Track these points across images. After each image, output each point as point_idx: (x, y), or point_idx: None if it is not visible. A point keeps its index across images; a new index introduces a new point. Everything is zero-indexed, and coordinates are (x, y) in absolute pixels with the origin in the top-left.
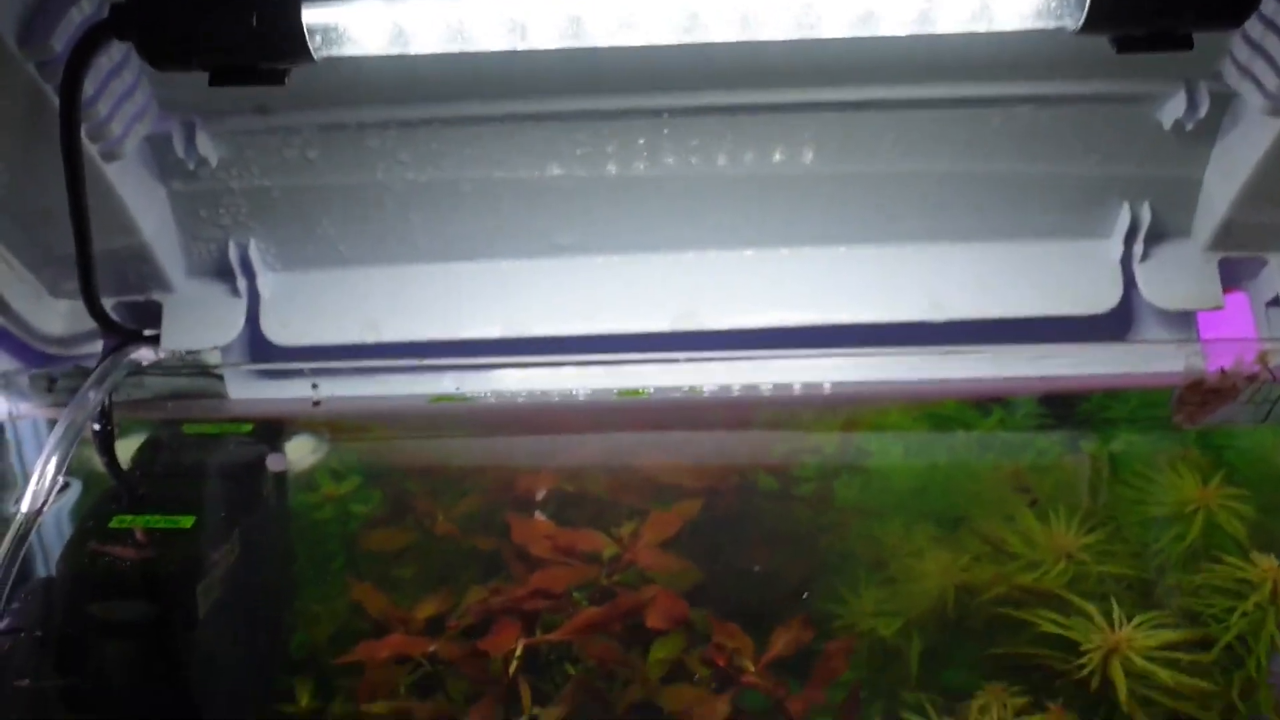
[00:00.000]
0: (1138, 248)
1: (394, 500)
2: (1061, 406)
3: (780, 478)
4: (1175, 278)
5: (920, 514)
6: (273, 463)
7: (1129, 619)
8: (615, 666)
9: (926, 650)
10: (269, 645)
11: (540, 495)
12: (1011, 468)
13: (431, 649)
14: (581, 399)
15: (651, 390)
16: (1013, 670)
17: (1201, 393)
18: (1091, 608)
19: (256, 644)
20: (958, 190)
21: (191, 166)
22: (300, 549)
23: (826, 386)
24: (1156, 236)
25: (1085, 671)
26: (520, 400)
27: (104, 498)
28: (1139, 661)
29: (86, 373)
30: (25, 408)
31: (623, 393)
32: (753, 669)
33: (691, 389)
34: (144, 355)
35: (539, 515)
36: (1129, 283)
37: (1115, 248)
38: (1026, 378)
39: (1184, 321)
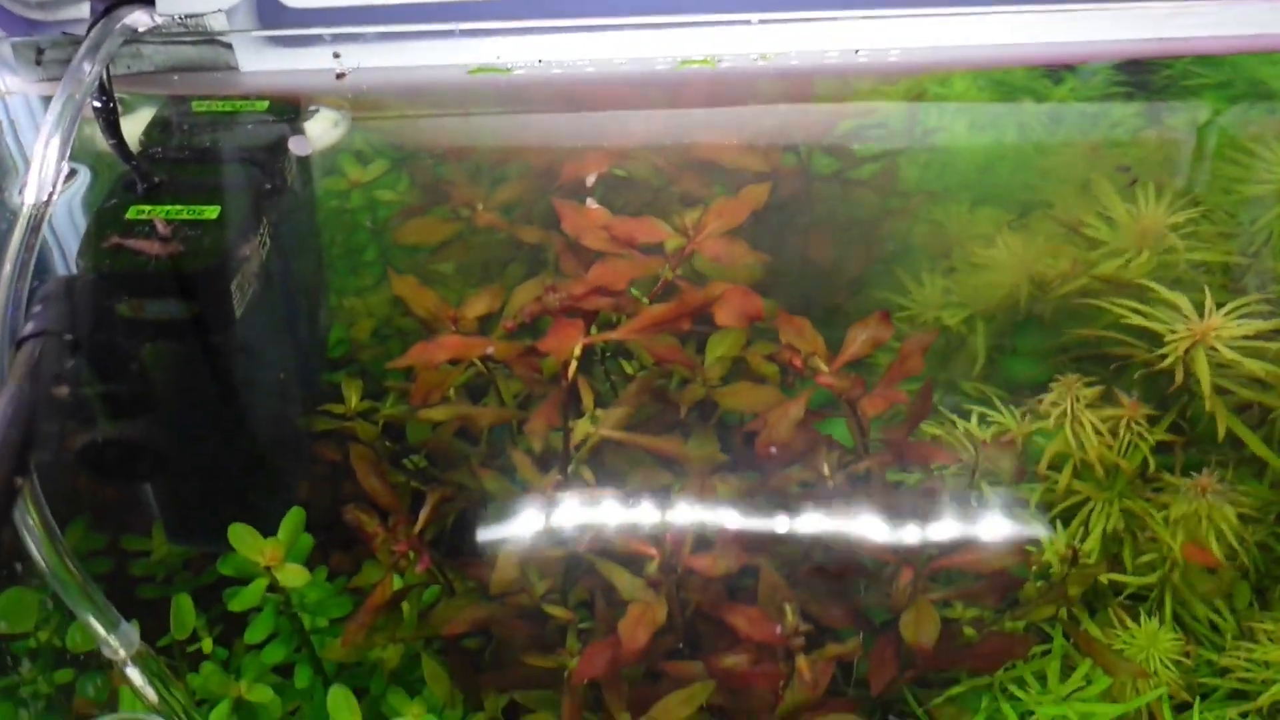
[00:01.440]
0: None
1: (426, 187)
2: (1141, 73)
3: (841, 157)
4: None
5: (989, 195)
6: (296, 145)
7: (1219, 307)
8: (677, 366)
9: (993, 342)
10: (310, 345)
11: (590, 180)
12: (1087, 143)
13: (489, 350)
14: (634, 69)
15: (716, 60)
16: (1086, 363)
17: None
18: (1178, 296)
19: (298, 344)
20: None
21: None
22: (327, 240)
23: (894, 53)
24: None
25: (1167, 363)
26: (567, 71)
27: (117, 186)
28: (1225, 352)
29: (77, 41)
30: (14, 82)
31: (683, 63)
32: (826, 369)
33: (757, 57)
34: (139, 21)
35: (590, 202)
36: None
37: None
38: (1112, 41)
39: None
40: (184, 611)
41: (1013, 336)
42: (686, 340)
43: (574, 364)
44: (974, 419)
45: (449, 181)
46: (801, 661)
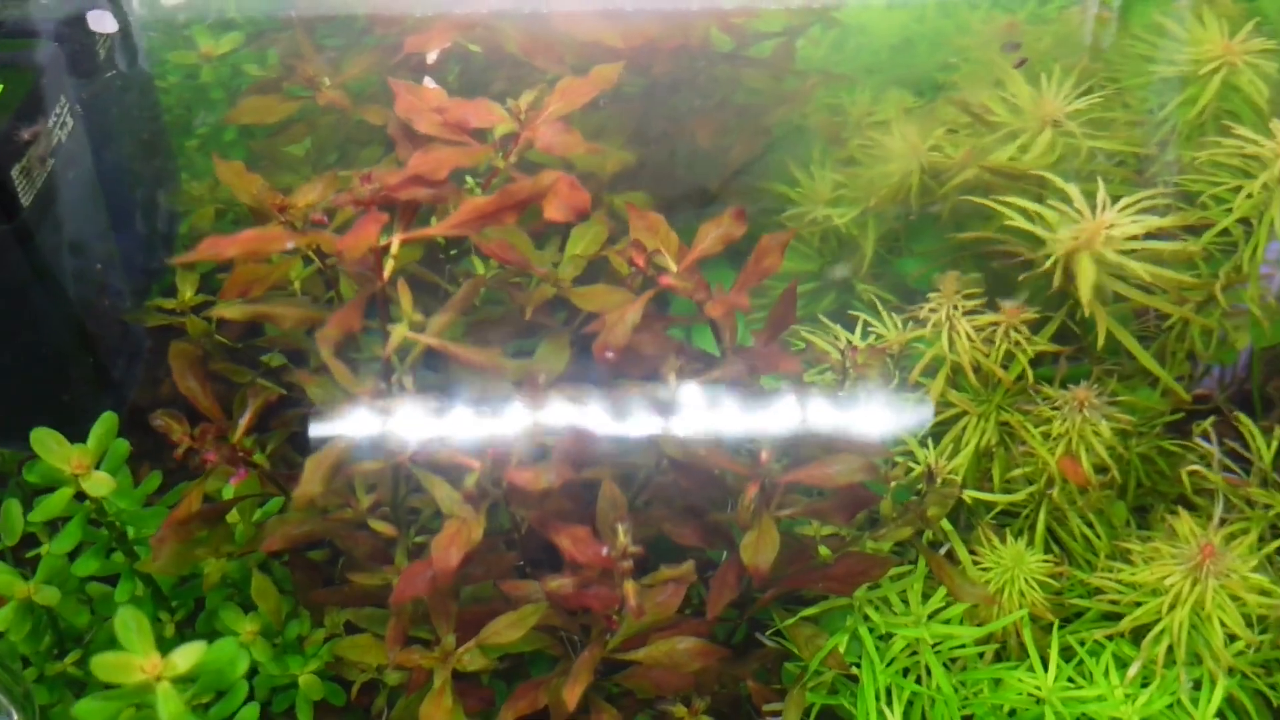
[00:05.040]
0: None
1: (282, 60)
2: None
3: (738, 33)
4: None
5: (901, 78)
6: (95, 21)
7: (1114, 202)
8: (516, 265)
9: (885, 240)
10: (148, 234)
11: (432, 56)
12: (1009, 20)
13: (288, 245)
14: None
15: None
16: (980, 263)
17: None
18: (1071, 189)
19: (131, 233)
20: None
21: None
22: (177, 119)
23: None
24: None
25: (1049, 265)
26: None
27: None
28: (1111, 255)
29: None
30: None
31: None
32: (674, 268)
33: None
34: None
35: (428, 81)
36: None
37: None
38: None
39: None
40: (12, 517)
41: (906, 234)
42: (549, 236)
43: (391, 262)
44: (859, 325)
45: (296, 55)
46: (629, 586)
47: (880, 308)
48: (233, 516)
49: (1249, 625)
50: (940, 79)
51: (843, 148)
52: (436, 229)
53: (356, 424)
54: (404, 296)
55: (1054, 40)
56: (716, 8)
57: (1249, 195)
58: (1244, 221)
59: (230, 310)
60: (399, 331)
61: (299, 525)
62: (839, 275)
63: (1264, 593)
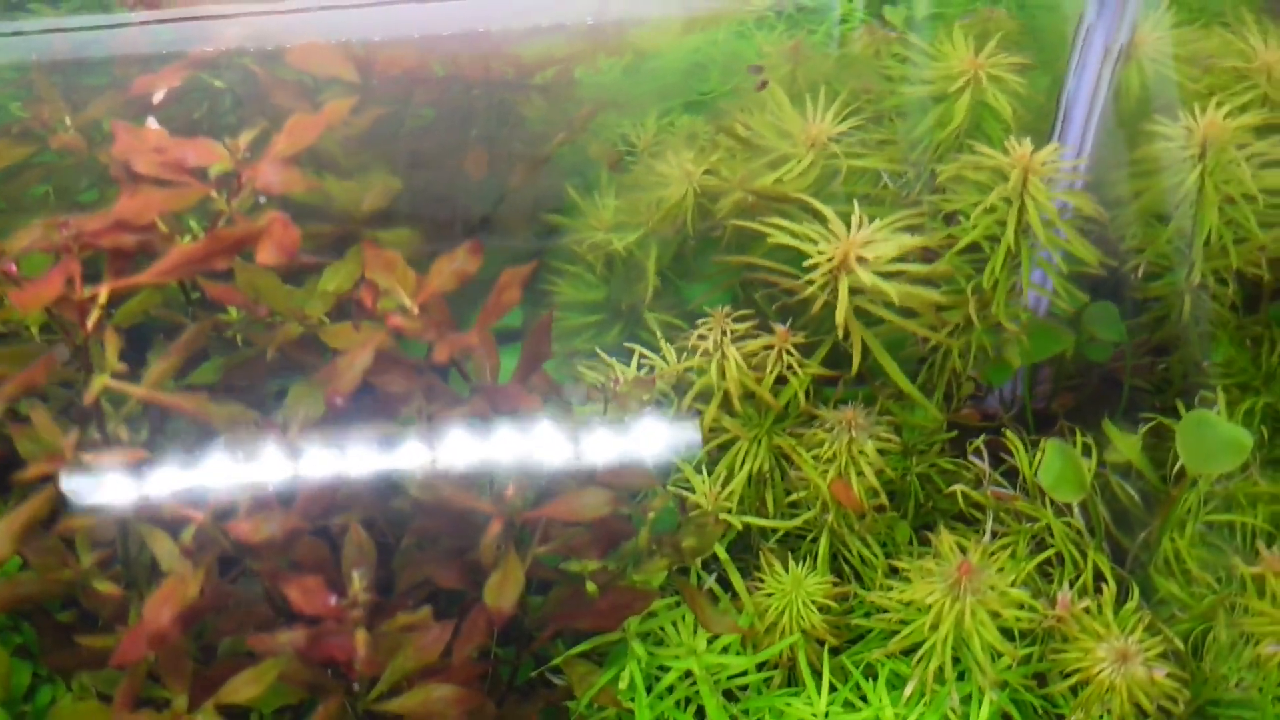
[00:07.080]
0: None
1: (29, 104)
2: None
3: (517, 63)
4: None
5: (690, 103)
6: None
7: (870, 223)
8: (240, 308)
9: (673, 266)
10: None
11: (159, 95)
12: (794, 41)
13: None
14: None
15: None
16: (758, 287)
17: None
18: (828, 211)
19: None
20: None
21: None
22: None
23: None
24: None
25: (810, 290)
26: None
27: None
28: (865, 276)
29: None
30: None
31: None
32: (409, 306)
33: None
34: None
35: (151, 121)
36: None
37: None
38: None
39: None
40: None
41: (693, 259)
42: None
43: (96, 313)
44: (635, 356)
45: (36, 98)
46: (360, 635)
47: (660, 337)
48: None
49: (1018, 637)
50: (728, 103)
51: (628, 173)
52: (143, 276)
53: (73, 479)
54: (110, 346)
55: (837, 63)
56: (508, 32)
57: (989, 209)
58: (996, 239)
59: None
60: (98, 381)
61: (12, 588)
62: (625, 303)
63: (1023, 607)
